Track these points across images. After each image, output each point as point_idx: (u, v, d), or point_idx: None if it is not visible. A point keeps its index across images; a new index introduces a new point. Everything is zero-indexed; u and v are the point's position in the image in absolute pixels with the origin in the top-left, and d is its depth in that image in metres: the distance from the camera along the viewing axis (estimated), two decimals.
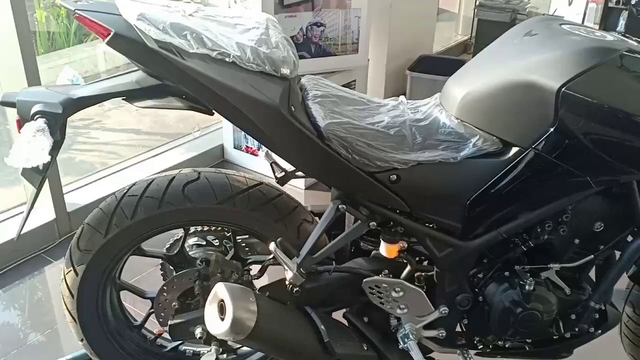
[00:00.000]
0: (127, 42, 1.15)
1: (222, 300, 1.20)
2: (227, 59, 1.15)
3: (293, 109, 1.18)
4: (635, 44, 1.32)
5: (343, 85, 3.13)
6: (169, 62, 1.15)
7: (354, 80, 3.15)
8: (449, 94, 1.38)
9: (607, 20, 3.99)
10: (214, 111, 1.21)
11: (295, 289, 1.31)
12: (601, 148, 1.24)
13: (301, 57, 2.84)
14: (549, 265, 1.44)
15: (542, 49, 1.29)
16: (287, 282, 1.30)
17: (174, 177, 1.35)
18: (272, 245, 1.31)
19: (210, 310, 1.23)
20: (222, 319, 1.19)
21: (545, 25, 1.35)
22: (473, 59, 1.41)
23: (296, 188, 2.83)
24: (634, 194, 1.36)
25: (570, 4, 4.45)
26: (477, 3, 4.59)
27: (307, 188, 2.90)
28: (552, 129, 1.24)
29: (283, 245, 1.31)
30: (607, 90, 1.22)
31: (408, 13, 3.59)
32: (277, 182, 1.47)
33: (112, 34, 1.14)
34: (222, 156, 3.20)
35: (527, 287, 1.39)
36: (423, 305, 1.43)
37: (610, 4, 3.90)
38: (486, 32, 4.38)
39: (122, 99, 1.23)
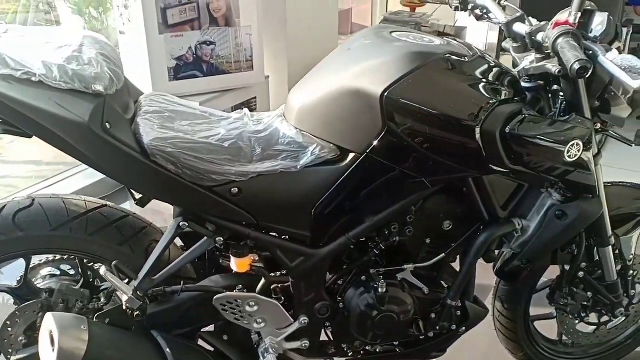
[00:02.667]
0: None
1: (52, 331, 1.15)
2: (33, 79, 1.12)
3: (109, 126, 1.16)
4: (459, 46, 1.37)
5: (244, 103, 3.18)
6: None
7: (255, 97, 3.15)
8: (289, 104, 1.39)
9: None
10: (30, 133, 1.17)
11: (135, 313, 1.27)
12: (428, 149, 1.27)
13: (193, 76, 2.85)
14: (403, 267, 1.46)
15: (369, 57, 1.32)
16: (124, 307, 1.27)
17: (5, 205, 1.30)
18: (102, 270, 1.27)
19: (42, 342, 1.18)
20: (53, 350, 1.14)
21: (376, 33, 1.39)
22: (314, 69, 1.43)
23: None
24: (472, 191, 1.41)
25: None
26: (383, 18, 4.71)
27: None
28: (382, 134, 1.27)
29: (119, 269, 1.28)
30: (427, 93, 1.25)
31: (307, 27, 3.63)
32: (137, 204, 1.44)
33: None
34: None
35: (380, 289, 1.41)
36: (281, 317, 1.42)
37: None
38: None
39: None
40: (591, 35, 1.34)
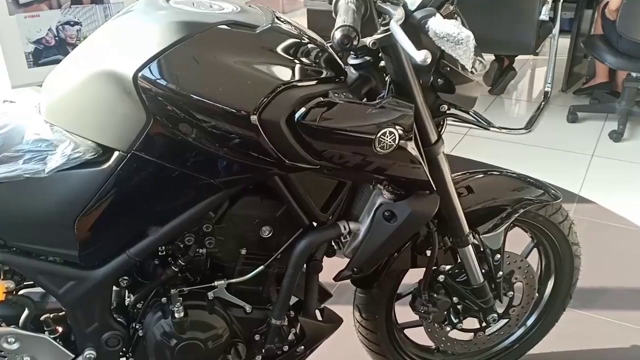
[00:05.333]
0: None
1: None
2: None
3: None
4: (258, 14, 1.11)
5: None
6: None
7: None
8: (43, 92, 1.12)
9: None
10: None
11: None
12: (204, 144, 1.02)
13: (57, 61, 2.52)
14: (213, 284, 1.22)
15: (128, 31, 1.06)
16: None
17: None
18: None
19: None
20: None
21: (148, 1, 1.12)
22: (75, 49, 1.16)
23: None
24: (283, 192, 1.16)
25: None
26: None
27: None
28: (148, 127, 1.01)
29: None
30: (188, 73, 0.99)
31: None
32: None
33: None
34: None
35: (177, 314, 1.17)
36: (55, 353, 1.16)
37: None
38: (317, 22, 4.21)
39: None
40: None
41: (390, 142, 1.06)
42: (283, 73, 1.02)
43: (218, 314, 1.22)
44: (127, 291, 1.26)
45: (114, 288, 1.23)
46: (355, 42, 0.90)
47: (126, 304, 1.26)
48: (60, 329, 1.18)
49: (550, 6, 3.15)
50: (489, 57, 3.91)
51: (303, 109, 1.00)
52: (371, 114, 1.05)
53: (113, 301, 1.24)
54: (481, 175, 1.51)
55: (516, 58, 3.96)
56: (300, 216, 1.19)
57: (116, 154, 1.05)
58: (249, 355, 1.29)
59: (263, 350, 1.28)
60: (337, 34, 0.89)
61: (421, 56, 0.93)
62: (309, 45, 1.10)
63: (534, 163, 3.01)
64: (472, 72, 1.20)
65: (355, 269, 1.25)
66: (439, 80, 1.18)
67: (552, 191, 1.48)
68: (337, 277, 1.29)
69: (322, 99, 1.02)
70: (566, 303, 1.67)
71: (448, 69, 1.15)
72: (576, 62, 3.87)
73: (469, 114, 1.34)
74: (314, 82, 1.05)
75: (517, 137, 3.32)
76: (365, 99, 1.14)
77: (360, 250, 1.22)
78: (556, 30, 3.50)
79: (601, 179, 2.85)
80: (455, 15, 1.14)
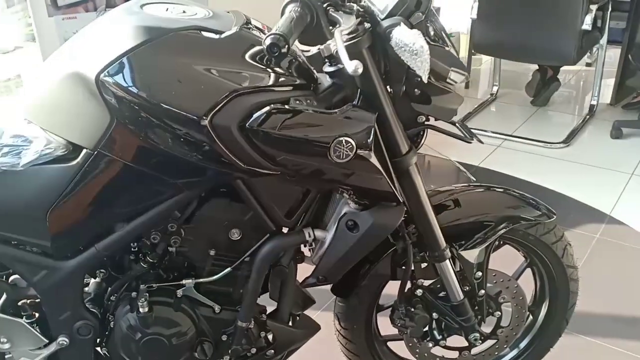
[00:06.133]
0: None
1: None
2: None
3: None
4: (231, 19, 1.13)
5: None
6: None
7: None
8: (26, 91, 1.19)
9: None
10: None
11: None
12: (165, 146, 1.05)
13: None
14: (182, 282, 1.25)
15: (99, 34, 1.11)
16: None
17: None
18: None
19: None
20: None
21: (126, 7, 1.16)
22: (56, 51, 1.22)
23: None
24: (247, 196, 1.17)
25: None
26: None
27: None
28: (112, 127, 1.06)
29: None
30: (146, 76, 1.02)
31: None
32: None
33: None
34: None
35: (142, 309, 1.21)
36: (30, 338, 1.23)
37: None
38: None
39: None
40: (379, 6, 1.09)
41: (346, 151, 1.05)
42: (240, 79, 1.04)
43: (184, 311, 1.25)
44: (105, 283, 1.31)
45: (96, 280, 1.30)
46: (284, 50, 0.90)
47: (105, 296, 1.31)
48: (36, 315, 1.25)
49: (594, 15, 3.00)
50: (531, 67, 3.78)
51: (256, 115, 1.02)
52: (327, 122, 1.05)
53: (91, 292, 1.30)
54: (477, 190, 1.48)
55: (565, 69, 3.81)
56: (265, 221, 1.20)
57: (84, 151, 1.10)
58: (216, 354, 1.31)
59: (229, 351, 1.30)
60: (267, 41, 0.89)
61: (351, 66, 0.93)
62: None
63: (567, 179, 2.89)
64: (449, 83, 1.18)
65: (319, 277, 1.25)
66: (415, 90, 1.16)
67: (545, 210, 1.42)
68: (302, 284, 1.29)
69: (276, 105, 1.03)
70: (562, 328, 1.59)
71: (418, 79, 1.13)
72: (628, 75, 3.67)
73: (455, 125, 1.31)
74: (275, 89, 1.06)
75: (555, 151, 3.19)
76: (337, 107, 1.14)
77: (324, 258, 1.22)
78: (604, 40, 3.33)
79: (637, 200, 2.69)
80: (428, 24, 1.12)
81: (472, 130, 1.34)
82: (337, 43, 0.95)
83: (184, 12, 1.13)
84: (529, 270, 1.55)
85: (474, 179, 2.92)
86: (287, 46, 0.89)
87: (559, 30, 2.99)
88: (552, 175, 2.92)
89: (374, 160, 1.09)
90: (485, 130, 3.36)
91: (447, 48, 1.16)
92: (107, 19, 1.14)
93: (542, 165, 3.08)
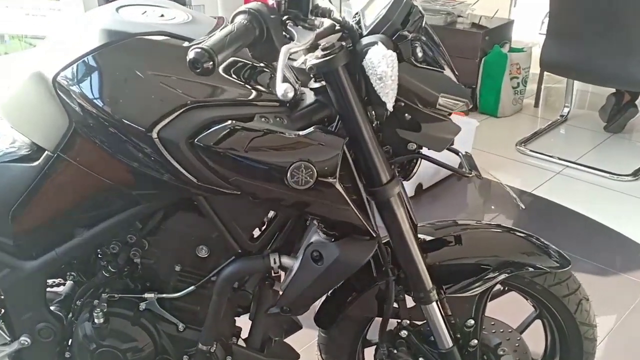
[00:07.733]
0: None
1: None
2: None
3: None
4: (210, 23, 1.06)
5: None
6: None
7: None
8: (3, 87, 1.18)
9: None
10: None
11: None
12: (119, 155, 1.00)
13: None
14: (143, 295, 1.20)
15: (65, 35, 1.08)
16: None
17: None
18: None
19: None
20: None
21: (105, 6, 1.12)
22: (33, 49, 1.20)
23: None
24: (209, 214, 1.10)
25: (514, 5, 4.05)
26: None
27: None
28: (70, 130, 1.02)
29: None
30: (97, 81, 0.97)
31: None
32: None
33: None
34: None
35: (96, 319, 1.17)
36: None
37: None
38: None
39: None
40: (365, 21, 0.98)
41: (306, 177, 0.95)
42: (196, 91, 0.96)
43: (142, 326, 1.20)
44: (77, 287, 1.29)
45: (68, 282, 1.28)
46: (207, 66, 0.81)
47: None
48: (2, 311, 1.25)
49: None
50: (607, 91, 3.46)
51: (207, 132, 0.94)
52: (287, 144, 0.96)
53: (62, 294, 1.28)
54: (490, 230, 1.33)
55: None
56: (229, 241, 1.12)
57: (46, 153, 1.07)
58: None
59: None
60: (190, 55, 0.81)
61: (280, 90, 0.83)
62: (250, 65, 1.03)
63: (630, 217, 2.60)
64: (438, 109, 1.05)
65: (283, 307, 1.15)
66: (406, 115, 1.04)
67: (556, 259, 1.24)
68: (266, 312, 1.20)
69: (234, 122, 0.95)
70: None
71: (402, 104, 1.01)
72: None
73: (459, 154, 1.17)
74: (237, 104, 0.98)
75: (620, 184, 2.89)
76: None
77: (288, 288, 1.12)
78: None
79: None
80: (416, 45, 1.00)
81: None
82: (279, 61, 0.86)
83: (162, 15, 1.07)
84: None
85: (524, 207, 2.71)
86: (212, 62, 0.81)
87: (633, 53, 2.70)
88: (613, 211, 2.64)
89: (338, 188, 0.98)
90: (546, 154, 3.11)
91: (444, 72, 1.04)
92: (79, 20, 1.11)
93: (604, 198, 2.79)
